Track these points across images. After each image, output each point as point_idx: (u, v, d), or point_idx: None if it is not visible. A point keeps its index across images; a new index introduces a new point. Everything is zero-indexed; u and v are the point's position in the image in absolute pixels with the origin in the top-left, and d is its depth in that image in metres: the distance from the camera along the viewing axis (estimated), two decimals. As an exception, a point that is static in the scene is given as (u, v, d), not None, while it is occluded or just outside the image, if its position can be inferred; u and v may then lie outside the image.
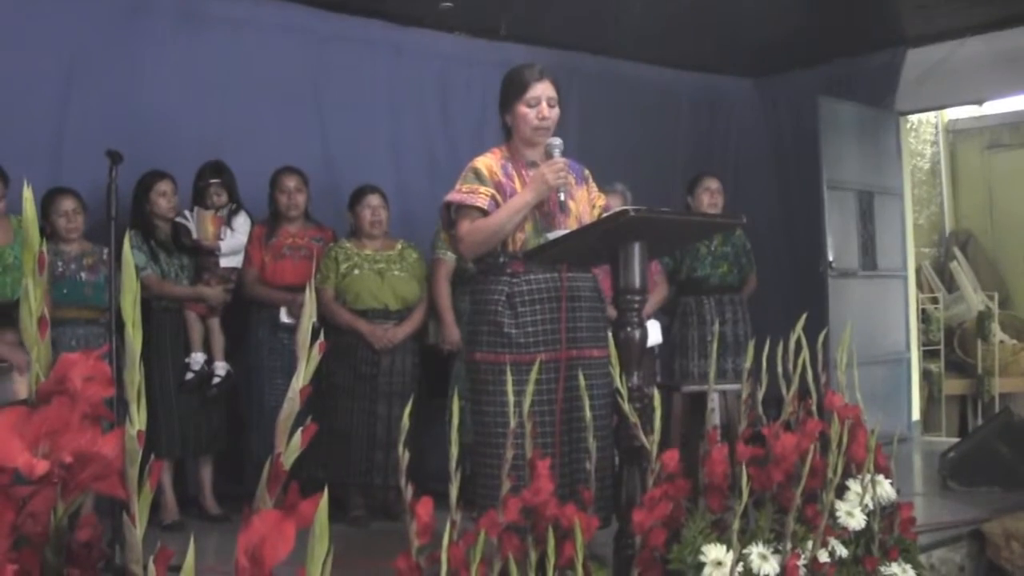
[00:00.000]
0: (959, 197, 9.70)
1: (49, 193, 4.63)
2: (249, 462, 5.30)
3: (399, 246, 5.36)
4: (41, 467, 1.24)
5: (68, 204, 4.65)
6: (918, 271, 8.85)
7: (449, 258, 5.32)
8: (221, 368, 5.06)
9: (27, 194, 1.44)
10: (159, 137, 5.28)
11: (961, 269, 9.11)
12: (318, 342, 1.58)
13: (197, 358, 5.01)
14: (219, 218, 5.13)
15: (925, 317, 8.65)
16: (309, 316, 1.54)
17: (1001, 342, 8.57)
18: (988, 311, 8.64)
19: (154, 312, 4.89)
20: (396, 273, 5.23)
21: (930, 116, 9.28)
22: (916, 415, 7.73)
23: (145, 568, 1.34)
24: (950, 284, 9.15)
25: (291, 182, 5.32)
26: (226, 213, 5.19)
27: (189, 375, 4.98)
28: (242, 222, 5.25)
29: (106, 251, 4.62)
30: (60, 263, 4.59)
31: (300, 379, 1.48)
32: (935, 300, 8.87)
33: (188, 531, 1.36)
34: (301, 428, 1.51)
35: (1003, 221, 9.12)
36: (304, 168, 5.42)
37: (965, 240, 9.38)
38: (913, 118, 8.58)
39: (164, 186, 5.04)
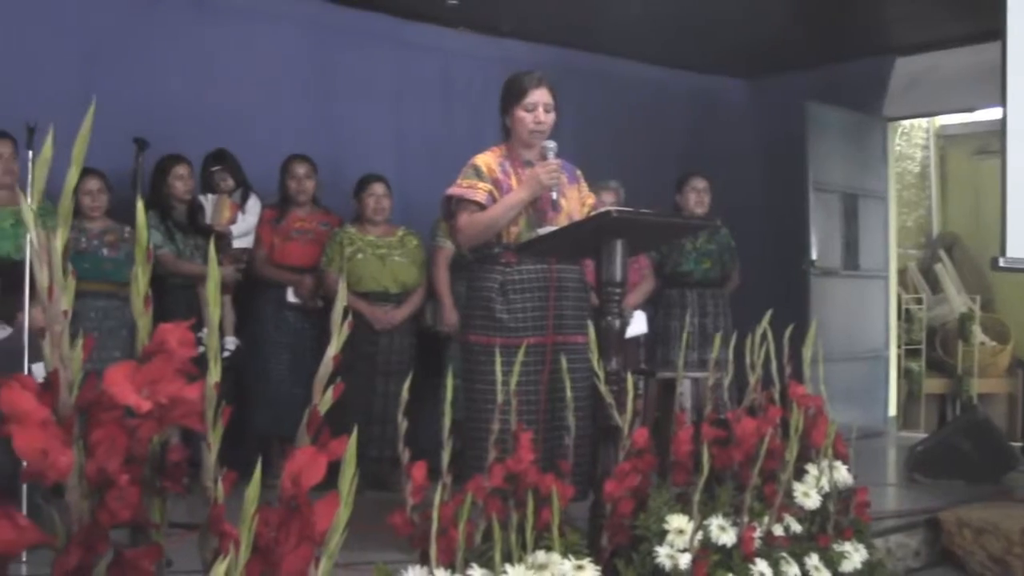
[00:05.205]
0: (947, 201, 9.86)
1: None
2: (249, 433, 5.55)
3: (400, 233, 5.60)
4: (146, 405, 1.75)
5: (93, 184, 4.88)
6: (904, 272, 9.03)
7: (448, 246, 5.55)
8: (230, 342, 5.29)
9: (140, 205, 1.86)
10: (175, 123, 5.52)
11: (946, 271, 9.25)
12: (347, 320, 2.02)
13: None
14: (235, 204, 5.40)
15: (908, 317, 8.81)
16: (341, 298, 1.90)
17: (982, 344, 8.74)
18: (970, 313, 8.79)
19: (169, 289, 5.13)
20: (397, 258, 5.49)
21: (921, 121, 9.41)
22: (892, 411, 7.91)
23: (216, 483, 1.88)
24: (935, 285, 9.29)
25: (301, 169, 5.59)
26: (238, 197, 5.46)
27: (201, 348, 5.21)
28: (252, 204, 5.51)
29: (127, 229, 4.91)
30: (83, 239, 4.83)
31: (333, 347, 2.02)
32: (919, 300, 9.01)
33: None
34: (332, 385, 2.07)
35: (989, 226, 9.21)
36: (311, 155, 5.68)
37: (951, 243, 9.51)
38: (905, 123, 8.75)
39: (181, 169, 5.32)
